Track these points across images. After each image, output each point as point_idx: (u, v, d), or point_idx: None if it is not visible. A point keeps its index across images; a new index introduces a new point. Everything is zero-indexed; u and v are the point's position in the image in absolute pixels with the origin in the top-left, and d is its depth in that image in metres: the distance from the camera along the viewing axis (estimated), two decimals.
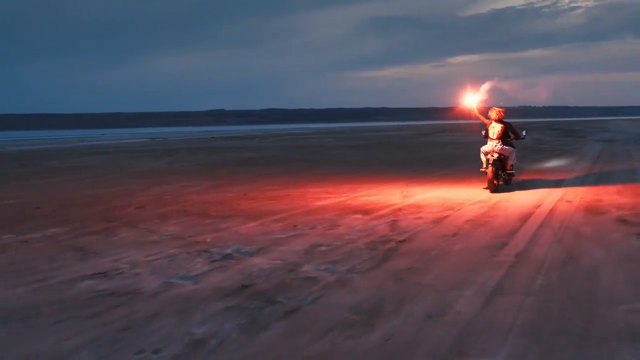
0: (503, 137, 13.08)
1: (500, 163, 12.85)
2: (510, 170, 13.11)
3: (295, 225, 9.26)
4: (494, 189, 12.45)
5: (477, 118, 13.95)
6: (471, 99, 14.02)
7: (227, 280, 6.20)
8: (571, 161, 20.59)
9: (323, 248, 7.63)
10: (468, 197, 12.21)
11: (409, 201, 11.73)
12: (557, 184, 14.03)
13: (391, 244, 7.75)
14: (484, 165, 13.12)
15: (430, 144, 36.60)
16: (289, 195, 12.90)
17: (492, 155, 12.85)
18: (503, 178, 13.00)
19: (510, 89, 16.84)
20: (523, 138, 13.76)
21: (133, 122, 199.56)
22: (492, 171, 12.52)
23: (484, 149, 13.23)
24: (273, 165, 21.87)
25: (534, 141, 36.43)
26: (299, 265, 6.74)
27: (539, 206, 10.77)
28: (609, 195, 11.92)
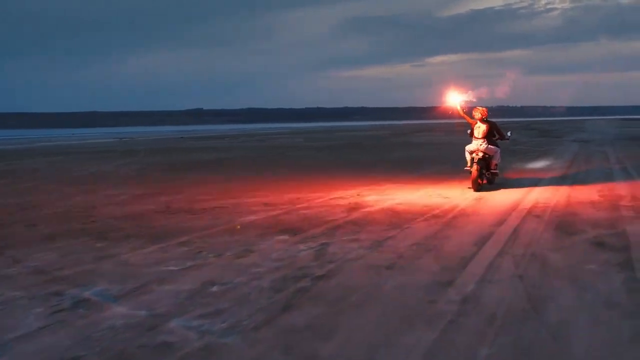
0: (488, 137, 13.08)
1: (484, 162, 12.87)
2: (494, 169, 13.13)
3: (200, 252, 7.44)
4: (478, 187, 12.48)
5: (462, 117, 13.81)
6: (455, 99, 13.97)
7: (47, 350, 4.36)
8: (545, 164, 19.02)
9: (215, 288, 5.83)
10: (424, 208, 10.49)
11: (354, 215, 9.97)
12: (528, 193, 12.37)
13: (305, 282, 5.97)
14: (469, 164, 13.03)
15: (404, 145, 34.94)
16: (218, 208, 11.07)
17: (477, 154, 12.83)
18: (487, 177, 13.00)
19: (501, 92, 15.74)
20: (508, 139, 13.81)
21: (110, 121, 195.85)
22: (477, 170, 12.55)
23: (468, 147, 13.15)
24: (224, 168, 20.03)
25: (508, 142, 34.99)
26: (165, 320, 4.93)
27: (502, 223, 9.06)
28: (584, 208, 10.25)
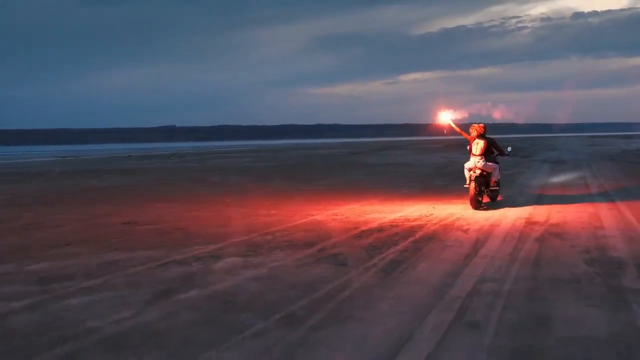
0: (486, 153, 12.67)
1: (483, 179, 12.50)
2: (494, 186, 12.78)
3: None
4: (477, 205, 12.09)
5: (459, 133, 13.68)
6: (445, 116, 13.91)
7: None
8: (509, 194, 14.49)
9: None
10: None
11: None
12: (477, 246, 7.76)
13: None
14: (467, 182, 12.61)
15: (353, 166, 30.32)
16: None
17: (475, 172, 12.44)
18: (488, 194, 12.66)
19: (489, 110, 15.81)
20: (508, 154, 13.45)
21: (78, 138, 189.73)
22: (474, 188, 12.17)
23: (467, 165, 12.82)
24: (105, 199, 15.20)
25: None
26: None
27: (423, 320, 4.39)
28: (559, 293, 5.62)
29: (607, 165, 25.62)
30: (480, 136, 12.83)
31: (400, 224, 10.45)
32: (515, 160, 30.45)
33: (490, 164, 12.70)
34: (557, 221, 10.33)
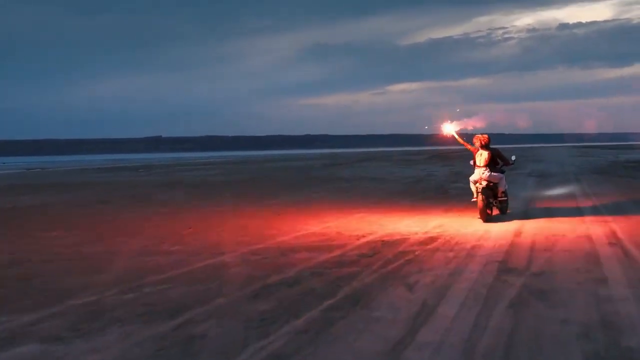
0: (491, 164, 12.26)
1: (490, 191, 12.07)
2: (502, 197, 12.37)
3: None
4: (487, 218, 11.68)
5: (463, 145, 13.43)
6: (449, 128, 13.71)
7: None
8: (483, 226, 11.65)
9: None
10: None
11: None
12: (417, 320, 4.87)
13: None
14: (475, 195, 12.25)
15: (322, 179, 27.41)
16: None
17: (481, 184, 12.03)
18: (497, 206, 12.27)
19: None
20: (513, 163, 13.02)
21: (65, 149, 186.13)
22: (482, 199, 11.79)
23: (472, 177, 12.50)
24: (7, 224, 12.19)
25: (450, 174, 27.78)
26: None
27: None
28: None
29: (597, 180, 22.86)
30: (484, 147, 12.43)
31: (328, 269, 7.56)
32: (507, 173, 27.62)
33: (495, 174, 12.26)
34: (542, 267, 7.46)
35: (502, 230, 10.62)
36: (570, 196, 16.71)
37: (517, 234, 10.26)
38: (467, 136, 13.71)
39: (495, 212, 12.31)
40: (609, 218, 11.87)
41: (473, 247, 8.99)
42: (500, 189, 12.35)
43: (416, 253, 8.61)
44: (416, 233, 10.49)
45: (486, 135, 12.59)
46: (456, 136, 13.72)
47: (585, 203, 14.77)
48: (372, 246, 9.27)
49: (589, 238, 9.59)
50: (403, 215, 13.07)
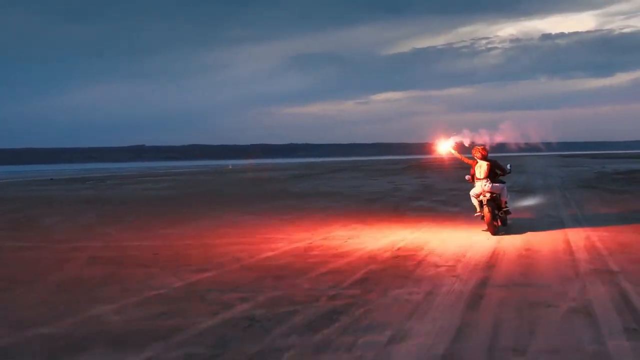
0: (491, 175, 11.83)
1: (494, 202, 11.58)
2: (505, 207, 11.95)
3: None
4: (496, 230, 11.25)
5: (461, 160, 13.06)
6: (446, 145, 13.20)
7: None
8: (444, 253, 7.80)
9: None
10: None
11: None
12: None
13: None
14: (478, 209, 11.82)
15: (272, 195, 23.52)
16: None
17: (485, 196, 11.58)
18: (500, 217, 11.75)
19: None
20: (510, 172, 12.41)
21: (43, 158, 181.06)
22: (489, 211, 11.33)
23: (473, 192, 11.98)
24: None
25: (418, 189, 23.95)
26: None
27: None
28: None
29: (587, 198, 19.13)
30: (483, 158, 12.01)
31: None
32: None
33: (497, 185, 11.90)
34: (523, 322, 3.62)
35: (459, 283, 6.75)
36: (555, 220, 12.91)
37: (483, 286, 6.39)
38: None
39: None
40: (613, 265, 8.04)
41: (425, 305, 5.12)
42: (503, 199, 11.92)
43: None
44: (317, 300, 6.58)
45: (484, 146, 12.20)
46: (453, 152, 13.15)
47: (576, 234, 10.94)
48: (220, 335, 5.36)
49: (573, 270, 5.77)
50: (327, 260, 9.15)
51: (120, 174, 57.48)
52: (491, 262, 8.43)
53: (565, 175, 33.96)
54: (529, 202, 17.55)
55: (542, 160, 74.04)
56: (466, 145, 12.96)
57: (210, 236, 11.93)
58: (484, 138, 12.88)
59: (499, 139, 13.36)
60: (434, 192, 23.02)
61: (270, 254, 9.60)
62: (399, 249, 9.80)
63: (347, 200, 20.12)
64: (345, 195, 22.45)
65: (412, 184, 28.24)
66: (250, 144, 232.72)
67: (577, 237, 10.54)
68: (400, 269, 8.06)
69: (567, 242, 10.05)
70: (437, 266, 8.23)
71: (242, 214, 16.43)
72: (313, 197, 22.27)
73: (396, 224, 13.18)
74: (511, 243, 10.12)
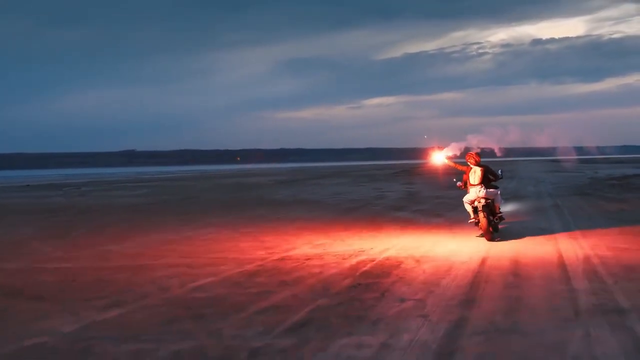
0: (484, 181, 11.63)
1: (489, 208, 11.37)
2: (499, 212, 11.72)
3: None
4: (492, 237, 11.03)
5: (456, 168, 12.52)
6: (440, 156, 12.88)
7: None
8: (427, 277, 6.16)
9: None
10: None
11: None
12: None
13: None
14: (472, 216, 11.64)
15: (249, 204, 21.88)
16: None
17: (480, 202, 11.38)
18: (495, 223, 11.48)
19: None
20: (501, 177, 12.10)
21: (33, 163, 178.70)
22: (485, 216, 11.15)
23: (467, 198, 11.72)
24: None
25: (403, 196, 22.31)
26: None
27: None
28: None
29: (581, 206, 17.58)
30: (476, 164, 11.76)
31: None
32: (458, 197, 22.08)
33: (491, 190, 11.64)
34: None
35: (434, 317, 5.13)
36: (549, 238, 11.30)
37: (462, 323, 4.78)
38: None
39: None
40: (622, 298, 6.43)
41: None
42: (497, 205, 11.73)
43: None
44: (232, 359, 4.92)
45: (476, 152, 12.05)
46: (449, 162, 12.91)
47: (573, 254, 9.32)
48: None
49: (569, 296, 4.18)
50: (271, 290, 7.49)
51: (104, 179, 55.73)
52: (470, 295, 6.80)
53: (558, 181, 32.41)
54: (519, 212, 15.97)
55: (532, 164, 72.55)
56: (458, 154, 12.81)
57: (151, 255, 10.26)
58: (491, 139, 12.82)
59: (512, 136, 13.31)
60: (418, 200, 21.42)
61: (207, 280, 7.95)
62: (362, 273, 8.16)
63: (325, 210, 18.49)
64: (325, 204, 20.82)
65: (397, 191, 26.64)
66: (242, 149, 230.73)
67: (574, 258, 8.94)
68: (355, 305, 6.41)
69: (563, 265, 8.45)
70: (403, 300, 6.60)
71: (205, 225, 14.79)
72: (289, 205, 20.63)
73: (369, 240, 11.56)
74: (497, 266, 8.50)
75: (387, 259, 9.28)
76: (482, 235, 11.21)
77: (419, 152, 13.75)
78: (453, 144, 12.87)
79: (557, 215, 15.08)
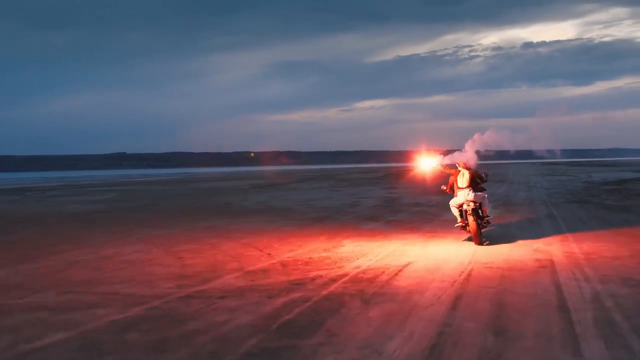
0: (472, 184, 11.25)
1: (476, 211, 11.02)
2: (487, 216, 11.32)
3: None
4: (481, 241, 10.70)
5: (446, 172, 11.90)
6: (430, 162, 12.22)
7: None
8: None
9: None
10: None
11: None
12: None
13: None
14: (459, 220, 11.32)
15: (215, 210, 19.43)
16: None
17: (469, 205, 11.01)
18: (483, 227, 11.12)
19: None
20: (486, 180, 11.68)
21: (22, 166, 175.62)
22: (475, 220, 10.81)
23: (455, 201, 11.35)
24: None
25: (379, 203, 19.84)
26: None
27: None
28: None
29: (580, 217, 15.23)
30: (465, 166, 11.32)
31: None
32: (438, 205, 19.62)
33: (479, 194, 11.19)
34: None
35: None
36: (544, 263, 8.90)
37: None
38: None
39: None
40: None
41: None
42: (485, 208, 11.35)
43: None
44: None
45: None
46: (440, 167, 12.20)
47: (577, 291, 6.89)
48: None
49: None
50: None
51: (79, 183, 53.06)
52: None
53: (551, 186, 30.05)
54: (509, 224, 13.59)
55: (524, 167, 70.26)
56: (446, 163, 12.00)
57: (27, 287, 7.79)
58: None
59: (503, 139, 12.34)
60: (396, 208, 19.01)
61: (54, 339, 5.49)
62: (282, 325, 5.72)
63: (289, 219, 16.05)
64: (293, 212, 18.37)
65: (376, 197, 24.22)
66: (233, 152, 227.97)
67: (579, 298, 6.54)
68: None
69: (565, 309, 6.05)
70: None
71: (136, 241, 12.33)
72: (253, 214, 18.17)
73: (320, 263, 9.13)
74: (475, 311, 6.08)
75: (328, 297, 6.85)
76: (470, 239, 10.90)
77: (407, 155, 13.41)
78: (456, 154, 11.93)
79: (552, 229, 12.68)
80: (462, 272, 8.20)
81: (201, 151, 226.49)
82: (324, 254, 10.09)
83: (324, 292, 7.11)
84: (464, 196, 11.06)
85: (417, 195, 23.73)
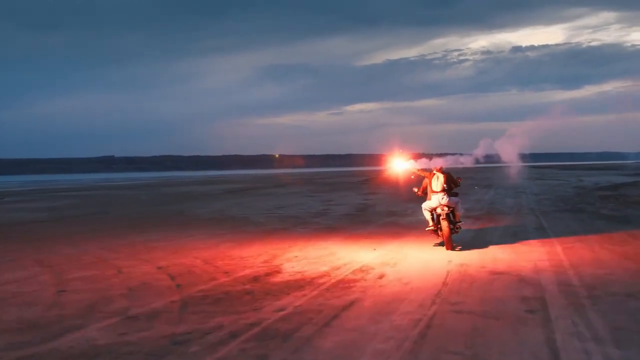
0: (447, 188, 11.00)
1: (449, 216, 10.82)
2: (459, 221, 11.09)
3: None
4: (453, 246, 10.48)
5: (421, 175, 11.54)
6: (402, 164, 12.10)
7: None
8: None
9: None
10: None
11: None
12: None
13: None
14: (430, 223, 11.03)
15: (165, 218, 17.01)
16: None
17: (444, 210, 10.75)
18: (455, 232, 10.90)
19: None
20: (459, 185, 11.31)
21: (8, 169, 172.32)
22: (448, 225, 10.57)
23: (428, 205, 11.05)
24: None
25: (349, 212, 17.39)
26: None
27: None
28: None
29: (572, 228, 12.94)
30: (440, 170, 11.12)
31: None
32: (414, 214, 17.24)
33: (453, 198, 10.92)
34: None
35: None
36: (534, 296, 6.57)
37: None
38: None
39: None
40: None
41: None
42: (458, 213, 10.97)
43: None
44: None
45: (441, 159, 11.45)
46: (411, 169, 11.88)
47: (573, 326, 4.60)
48: None
49: None
50: None
51: (43, 188, 50.33)
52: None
53: (540, 191, 27.74)
54: (490, 240, 11.28)
55: (512, 171, 68.10)
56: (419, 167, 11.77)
57: None
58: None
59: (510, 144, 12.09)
60: (366, 217, 16.67)
61: None
62: None
63: (235, 234, 13.63)
64: (246, 223, 15.97)
65: (349, 204, 21.85)
66: (222, 155, 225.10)
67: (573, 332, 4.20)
68: None
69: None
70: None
71: (28, 264, 9.98)
72: (200, 226, 15.73)
73: (232, 303, 6.77)
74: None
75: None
76: (441, 244, 10.72)
77: (383, 158, 13.13)
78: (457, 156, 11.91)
79: (541, 245, 10.35)
80: (419, 320, 5.82)
81: (192, 154, 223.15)
82: (248, 286, 7.71)
83: (226, 351, 4.72)
84: (438, 200, 10.75)
85: (393, 203, 21.41)
